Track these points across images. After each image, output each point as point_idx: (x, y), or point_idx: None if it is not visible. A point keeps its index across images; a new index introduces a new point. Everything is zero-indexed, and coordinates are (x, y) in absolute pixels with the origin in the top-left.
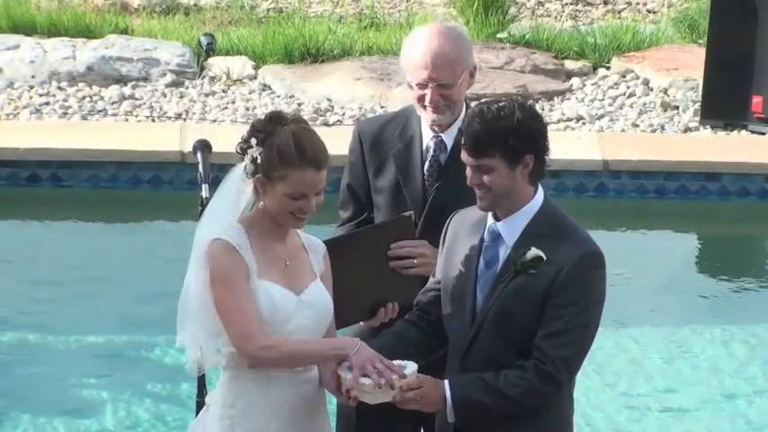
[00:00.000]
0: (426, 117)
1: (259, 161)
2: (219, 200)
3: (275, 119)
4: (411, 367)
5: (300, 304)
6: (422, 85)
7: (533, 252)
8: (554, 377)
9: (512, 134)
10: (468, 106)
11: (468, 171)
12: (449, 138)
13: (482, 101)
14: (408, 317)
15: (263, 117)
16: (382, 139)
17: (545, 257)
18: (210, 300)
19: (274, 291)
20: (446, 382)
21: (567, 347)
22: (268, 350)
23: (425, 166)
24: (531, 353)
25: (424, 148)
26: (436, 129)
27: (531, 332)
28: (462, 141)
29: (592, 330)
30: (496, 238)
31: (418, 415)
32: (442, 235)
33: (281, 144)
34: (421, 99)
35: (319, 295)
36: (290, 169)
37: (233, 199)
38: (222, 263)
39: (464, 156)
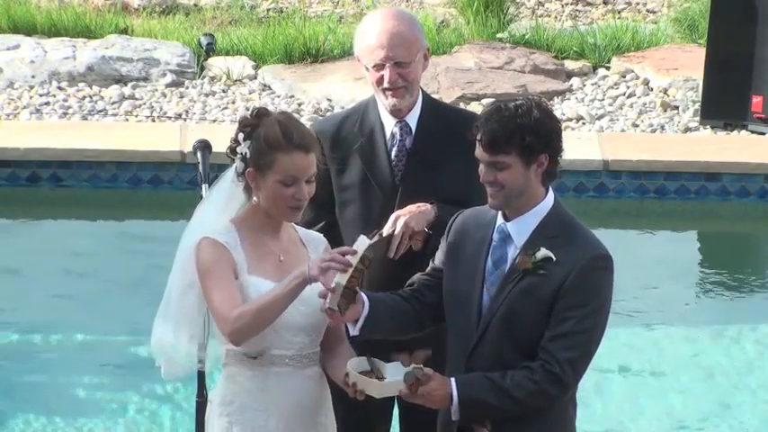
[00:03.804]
0: (386, 103)
1: (248, 155)
2: (210, 202)
3: (261, 113)
4: (362, 241)
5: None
6: (379, 66)
7: (543, 252)
8: (561, 379)
9: (529, 132)
10: (425, 93)
11: (482, 168)
12: (412, 120)
13: (496, 100)
14: (401, 292)
15: (247, 114)
16: (341, 137)
17: (555, 258)
18: (192, 302)
19: (264, 286)
20: (452, 379)
21: (574, 350)
22: (239, 319)
23: (393, 153)
24: (536, 354)
25: (387, 136)
26: (396, 114)
27: (537, 334)
28: (479, 138)
29: (599, 333)
30: (506, 237)
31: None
32: (446, 232)
33: (268, 132)
34: (379, 81)
35: (314, 290)
36: (279, 154)
37: (223, 201)
38: (206, 256)
39: (479, 152)
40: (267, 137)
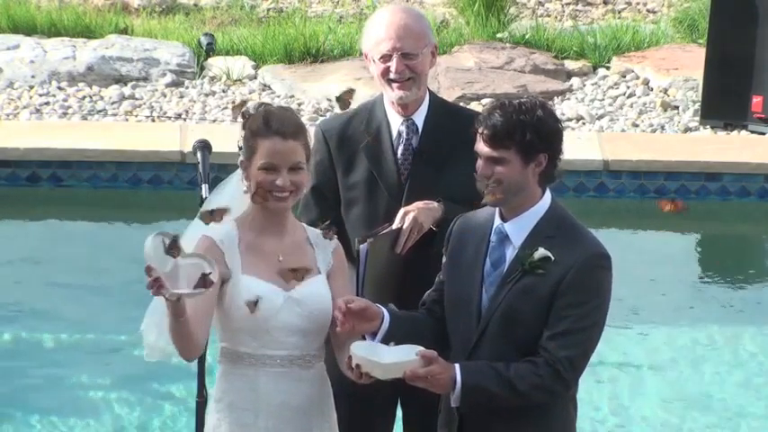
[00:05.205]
0: (393, 96)
1: (241, 146)
2: (216, 199)
3: (259, 106)
4: (147, 247)
5: (290, 300)
6: (386, 57)
7: (541, 252)
8: (562, 376)
9: (530, 129)
10: (432, 92)
11: (480, 162)
12: (419, 119)
13: (500, 99)
14: (418, 313)
15: (249, 107)
16: (347, 136)
17: (553, 258)
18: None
19: (257, 286)
20: (457, 365)
21: (573, 348)
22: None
23: (399, 152)
24: (536, 353)
25: (394, 134)
26: (402, 112)
27: (536, 333)
28: (481, 131)
29: (597, 332)
30: (504, 238)
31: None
32: (446, 238)
33: (253, 120)
34: (385, 73)
35: (313, 292)
36: (259, 139)
37: (227, 198)
38: None
39: (479, 146)
40: (252, 124)
